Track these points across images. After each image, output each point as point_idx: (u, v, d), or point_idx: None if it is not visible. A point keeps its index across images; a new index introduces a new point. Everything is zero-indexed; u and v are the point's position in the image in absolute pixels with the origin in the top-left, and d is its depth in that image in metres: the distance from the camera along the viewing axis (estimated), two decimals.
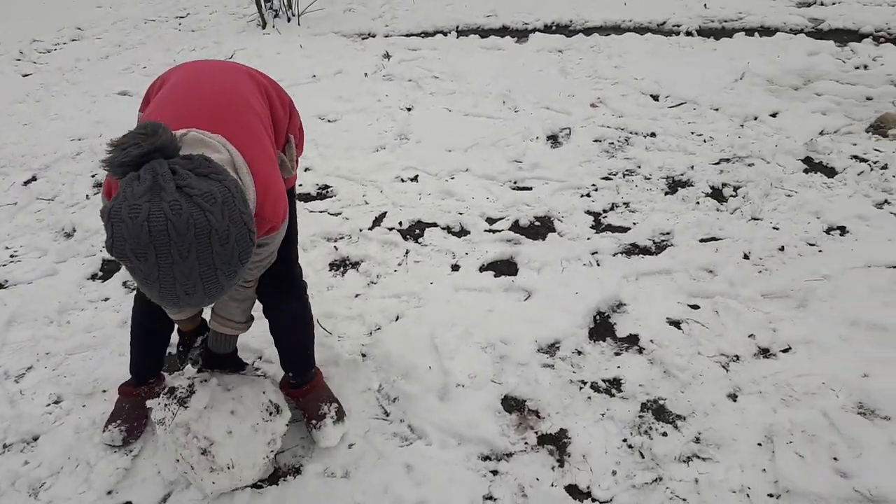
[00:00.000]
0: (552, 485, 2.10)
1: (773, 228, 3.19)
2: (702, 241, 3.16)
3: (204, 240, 1.20)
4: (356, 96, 5.02)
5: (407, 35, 6.33)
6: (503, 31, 6.24)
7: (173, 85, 1.71)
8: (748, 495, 2.01)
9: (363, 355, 2.65)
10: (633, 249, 3.16)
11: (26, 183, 4.15)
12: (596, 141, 4.16)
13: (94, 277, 3.26)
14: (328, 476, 2.19)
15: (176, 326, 2.24)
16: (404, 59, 5.67)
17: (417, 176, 3.94)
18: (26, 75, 6.10)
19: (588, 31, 6.00)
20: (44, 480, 2.22)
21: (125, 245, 1.19)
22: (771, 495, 2.01)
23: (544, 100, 4.73)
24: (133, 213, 1.16)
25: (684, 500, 2.02)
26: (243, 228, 1.28)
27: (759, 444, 2.16)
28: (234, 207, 1.26)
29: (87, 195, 3.97)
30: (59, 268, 3.31)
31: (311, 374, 2.32)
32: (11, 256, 3.43)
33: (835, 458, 2.08)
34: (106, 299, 3.08)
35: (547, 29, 6.21)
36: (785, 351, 2.51)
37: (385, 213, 3.60)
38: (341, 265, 3.24)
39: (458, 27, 6.38)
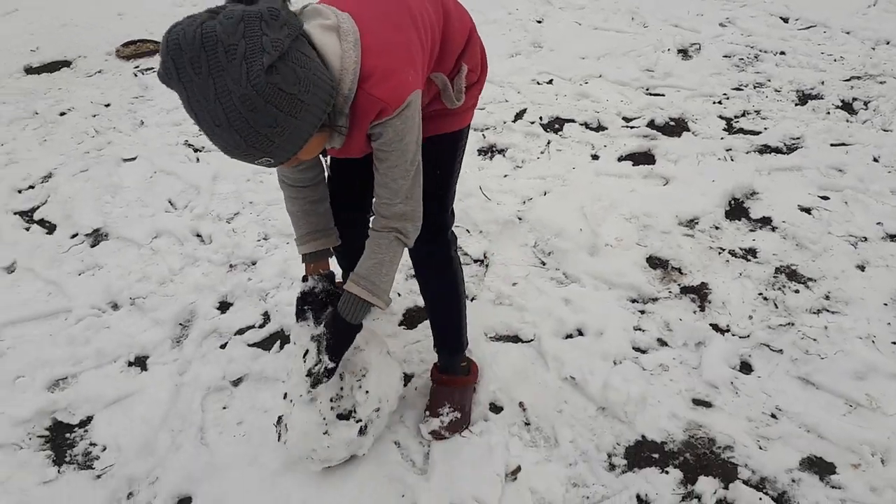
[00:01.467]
0: (695, 322, 2.44)
1: None
2: (832, 145, 3.36)
3: (211, 49, 1.13)
4: (487, 9, 5.28)
5: None
6: None
7: None
8: (873, 341, 2.31)
9: (519, 218, 3.02)
10: (765, 149, 3.39)
11: None
12: (726, 56, 4.33)
13: None
14: (497, 304, 2.60)
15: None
16: None
17: (552, 80, 4.23)
18: None
19: None
20: (267, 291, 2.71)
21: (160, 65, 1.20)
22: (895, 343, 2.29)
23: (672, 18, 4.89)
24: (169, 30, 1.18)
25: (814, 339, 2.33)
26: (256, 46, 1.15)
27: (885, 305, 2.44)
28: (253, 24, 1.16)
29: None
30: None
31: (459, 366, 2.19)
32: None
33: None
34: None
35: None
36: None
37: (525, 109, 3.92)
38: (489, 151, 3.59)
39: None
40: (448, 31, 1.63)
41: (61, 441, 2.21)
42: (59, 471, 2.11)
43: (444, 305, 2.06)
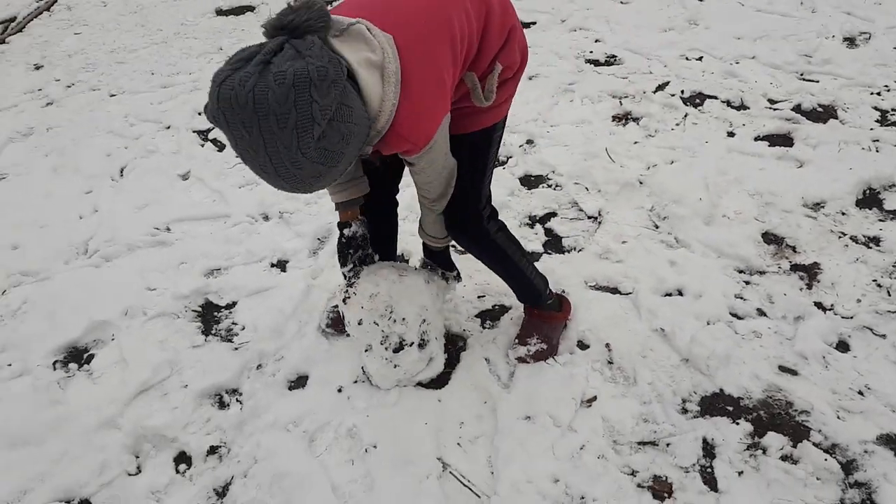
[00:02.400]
0: (799, 297, 2.45)
1: None
2: None
3: (263, 116, 1.17)
4: None
5: None
6: None
7: None
8: None
9: (640, 182, 3.11)
10: None
11: None
12: None
13: None
14: (602, 258, 2.72)
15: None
16: None
17: (702, 57, 4.19)
18: None
19: None
20: None
21: (208, 107, 1.24)
22: None
23: (846, 5, 4.65)
24: (216, 77, 1.20)
25: None
26: (306, 116, 1.20)
27: None
28: (303, 92, 1.18)
29: None
30: None
31: (548, 302, 2.28)
32: None
33: None
34: None
35: None
36: None
37: (668, 82, 3.93)
38: (624, 118, 3.67)
39: None
40: (488, 33, 1.62)
41: (210, 317, 2.63)
42: (205, 339, 2.52)
43: (503, 271, 2.16)
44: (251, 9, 5.46)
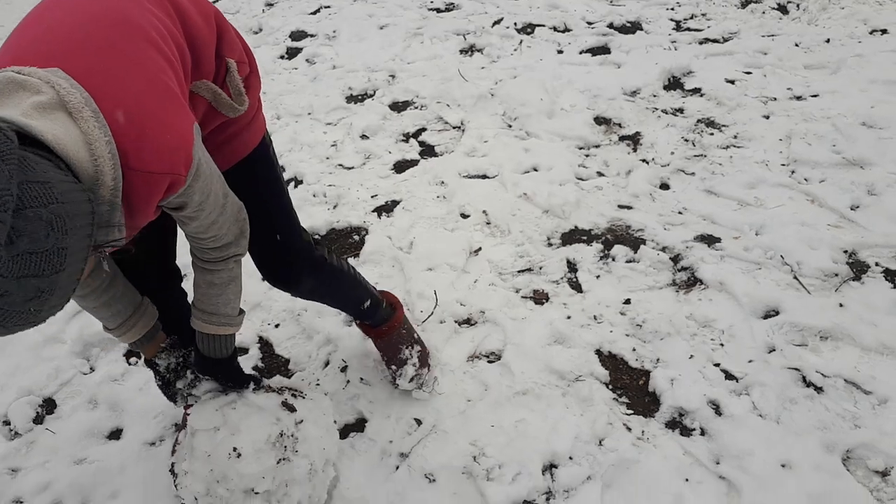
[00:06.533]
0: (627, 157, 3.03)
1: (824, 28, 3.91)
2: (762, 36, 3.92)
3: None
4: None
5: None
6: None
7: (32, 14, 1.15)
8: (767, 164, 2.89)
9: (491, 94, 3.60)
10: (705, 41, 3.95)
11: None
12: None
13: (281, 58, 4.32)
14: (469, 156, 3.18)
15: (143, 356, 1.72)
16: None
17: None
18: None
19: None
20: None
21: None
22: (783, 164, 2.88)
23: None
24: None
25: (720, 164, 2.91)
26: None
27: (780, 140, 3.02)
28: None
29: None
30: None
31: (385, 313, 1.99)
32: None
33: (833, 146, 2.91)
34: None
35: None
36: (814, 96, 3.31)
37: (502, 18, 4.47)
38: (469, 50, 4.16)
39: None
40: (191, 27, 1.29)
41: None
42: None
43: (350, 293, 1.86)
44: None
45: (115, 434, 2.12)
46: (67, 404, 2.21)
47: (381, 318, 1.98)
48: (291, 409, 1.66)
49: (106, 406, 2.19)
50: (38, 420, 2.18)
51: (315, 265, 1.66)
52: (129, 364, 2.31)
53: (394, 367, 2.01)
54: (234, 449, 1.52)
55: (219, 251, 1.37)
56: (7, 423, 2.17)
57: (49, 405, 2.22)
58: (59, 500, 1.93)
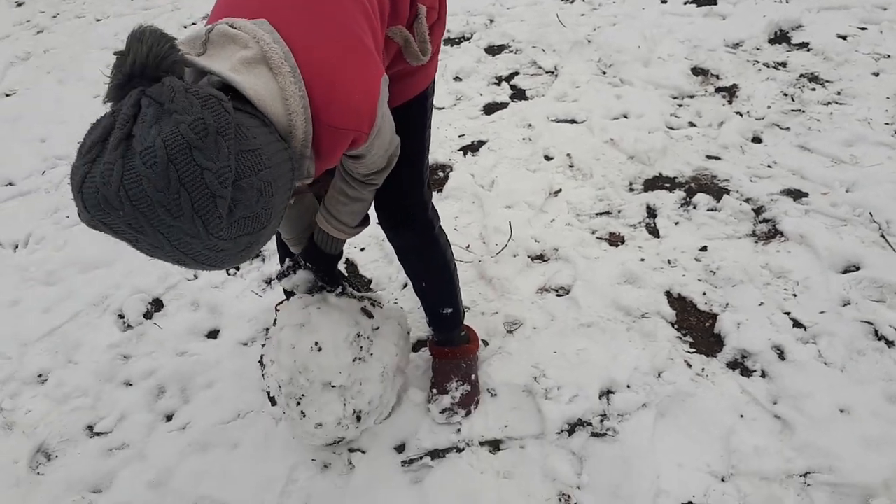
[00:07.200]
0: (722, 108, 2.99)
1: None
2: None
3: (148, 211, 0.88)
4: None
5: None
6: None
7: None
8: (869, 122, 2.78)
9: (588, 41, 3.60)
10: None
11: None
12: None
13: None
14: (560, 101, 3.22)
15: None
16: None
17: None
18: None
19: None
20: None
21: (80, 215, 0.93)
22: (887, 123, 2.76)
23: None
24: (73, 177, 0.91)
25: (818, 120, 2.83)
26: (202, 194, 0.89)
27: (887, 98, 2.89)
28: (186, 164, 0.87)
29: None
30: None
31: (458, 337, 1.98)
32: None
33: None
34: None
35: None
36: None
37: None
38: None
39: None
40: None
41: None
42: None
43: (439, 279, 1.84)
44: None
45: (213, 333, 2.36)
46: (173, 304, 2.48)
47: (451, 340, 1.97)
48: (369, 315, 1.80)
49: (206, 309, 2.44)
50: (148, 315, 2.45)
51: (426, 224, 1.70)
52: (228, 275, 2.54)
53: (435, 390, 1.97)
54: (316, 343, 1.64)
55: (362, 176, 1.45)
56: (122, 316, 2.46)
57: (157, 304, 2.49)
58: (162, 384, 2.20)
